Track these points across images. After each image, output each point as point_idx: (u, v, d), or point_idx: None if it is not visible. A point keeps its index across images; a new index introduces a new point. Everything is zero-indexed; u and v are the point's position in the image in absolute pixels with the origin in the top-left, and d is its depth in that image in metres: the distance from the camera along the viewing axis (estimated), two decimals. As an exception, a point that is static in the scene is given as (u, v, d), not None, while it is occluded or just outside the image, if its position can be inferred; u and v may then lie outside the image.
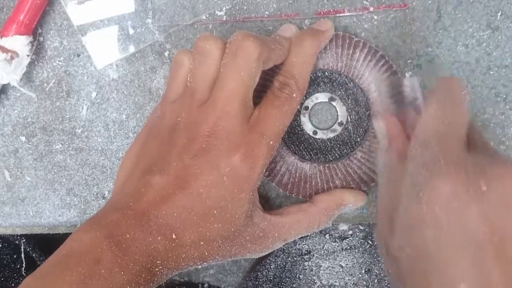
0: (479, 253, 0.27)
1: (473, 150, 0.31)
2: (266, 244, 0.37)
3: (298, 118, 0.41)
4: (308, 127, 0.41)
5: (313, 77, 0.40)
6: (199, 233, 0.34)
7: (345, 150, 0.41)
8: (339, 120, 0.41)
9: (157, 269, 0.33)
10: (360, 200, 0.40)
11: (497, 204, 0.27)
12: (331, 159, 0.41)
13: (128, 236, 0.33)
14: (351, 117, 0.41)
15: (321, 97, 0.41)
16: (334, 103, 0.41)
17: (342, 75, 0.40)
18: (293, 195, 0.41)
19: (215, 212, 0.34)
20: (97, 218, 0.34)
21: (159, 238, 0.33)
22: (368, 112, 0.40)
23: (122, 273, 0.32)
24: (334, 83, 0.40)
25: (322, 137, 0.41)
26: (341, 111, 0.41)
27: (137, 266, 0.32)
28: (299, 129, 0.41)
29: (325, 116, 0.41)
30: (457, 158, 0.29)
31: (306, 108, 0.41)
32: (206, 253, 0.35)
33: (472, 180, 0.28)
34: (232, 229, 0.35)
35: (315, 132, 0.41)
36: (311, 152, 0.41)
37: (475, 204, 0.27)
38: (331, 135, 0.41)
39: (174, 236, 0.34)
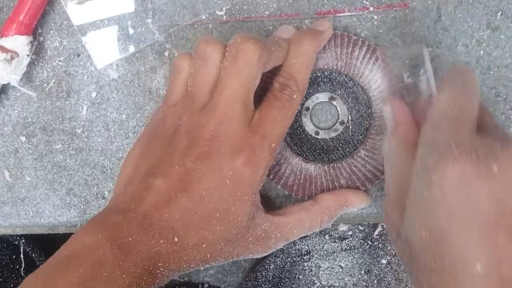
0: (491, 232, 0.27)
1: (484, 133, 0.32)
2: (268, 244, 0.37)
3: (299, 119, 0.41)
4: (309, 128, 0.41)
5: (313, 77, 0.40)
6: (202, 235, 0.34)
7: (348, 149, 0.41)
8: (340, 119, 0.41)
9: (158, 272, 0.33)
10: (364, 201, 0.40)
11: (508, 184, 0.28)
12: (335, 158, 0.41)
13: (130, 239, 0.33)
14: (352, 115, 0.41)
15: (321, 97, 0.41)
16: (334, 103, 0.41)
17: (342, 74, 0.40)
18: (299, 196, 0.41)
19: (218, 215, 0.34)
20: (98, 220, 0.34)
21: (161, 241, 0.33)
22: (369, 110, 0.40)
23: (124, 276, 0.31)
24: (334, 83, 0.40)
25: (324, 137, 0.41)
26: (342, 110, 0.41)
27: (139, 269, 0.32)
28: (301, 130, 0.41)
29: (326, 116, 0.41)
30: (468, 141, 0.29)
31: (307, 108, 0.41)
32: (208, 255, 0.35)
33: (483, 163, 0.28)
34: (234, 232, 0.35)
35: (317, 133, 0.41)
36: (314, 153, 0.41)
37: (486, 186, 0.28)
38: (333, 134, 0.41)
39: (176, 239, 0.34)
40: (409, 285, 0.47)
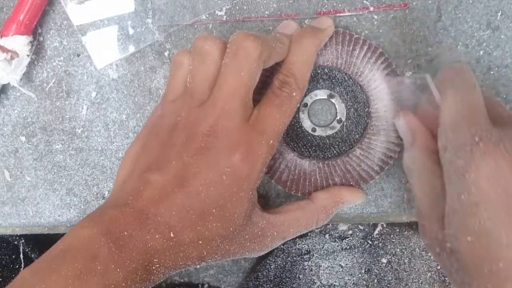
0: None
1: (501, 124, 0.31)
2: (265, 242, 0.37)
3: (297, 115, 0.41)
4: (307, 124, 0.41)
5: (312, 74, 0.40)
6: (198, 232, 0.34)
7: (344, 147, 0.41)
8: (338, 117, 0.41)
9: (154, 268, 0.33)
10: (359, 198, 0.40)
11: None
12: (330, 156, 0.41)
13: (125, 233, 0.33)
14: (350, 114, 0.41)
15: (320, 94, 0.41)
16: (333, 100, 0.41)
17: (342, 72, 0.40)
18: (292, 192, 0.41)
19: (214, 211, 0.34)
20: (95, 215, 0.34)
21: (157, 236, 0.33)
22: (367, 109, 0.40)
23: (118, 270, 0.31)
24: (333, 80, 0.40)
25: (321, 134, 0.41)
26: (340, 108, 0.41)
27: (133, 263, 0.32)
28: (298, 126, 0.41)
29: (324, 113, 0.41)
30: (491, 134, 0.29)
31: (305, 105, 0.41)
32: (205, 253, 0.35)
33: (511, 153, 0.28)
34: (231, 229, 0.35)
35: (314, 129, 0.41)
36: (310, 149, 0.41)
37: None
38: (330, 132, 0.41)
39: (172, 235, 0.34)
40: (409, 284, 0.47)
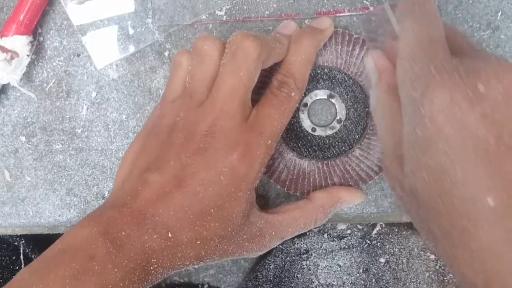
0: (494, 158, 0.26)
1: (461, 55, 0.30)
2: (263, 242, 0.37)
3: (297, 115, 0.41)
4: (306, 124, 0.41)
5: (312, 74, 0.40)
6: (196, 232, 0.34)
7: (343, 147, 0.41)
8: (337, 117, 0.41)
9: (151, 268, 0.33)
10: (357, 198, 0.40)
11: (499, 103, 0.26)
12: (329, 156, 0.41)
13: (123, 233, 0.33)
14: (350, 114, 0.41)
15: (320, 94, 0.41)
16: (333, 100, 0.41)
17: (341, 72, 0.40)
18: (291, 191, 0.41)
19: (212, 211, 0.34)
20: (94, 215, 0.35)
21: (154, 236, 0.33)
22: (367, 109, 0.40)
23: (116, 270, 0.32)
24: (333, 80, 0.40)
25: (321, 134, 0.41)
26: (340, 108, 0.41)
27: (131, 263, 0.32)
28: (297, 126, 0.41)
29: (324, 113, 0.41)
30: (448, 64, 0.28)
31: (305, 105, 0.41)
32: (203, 253, 0.35)
33: (468, 84, 0.26)
34: (229, 229, 0.35)
35: (313, 129, 0.41)
36: (309, 149, 0.41)
37: (477, 109, 0.26)
38: (330, 132, 0.41)
39: (170, 235, 0.34)
40: (407, 284, 0.47)
